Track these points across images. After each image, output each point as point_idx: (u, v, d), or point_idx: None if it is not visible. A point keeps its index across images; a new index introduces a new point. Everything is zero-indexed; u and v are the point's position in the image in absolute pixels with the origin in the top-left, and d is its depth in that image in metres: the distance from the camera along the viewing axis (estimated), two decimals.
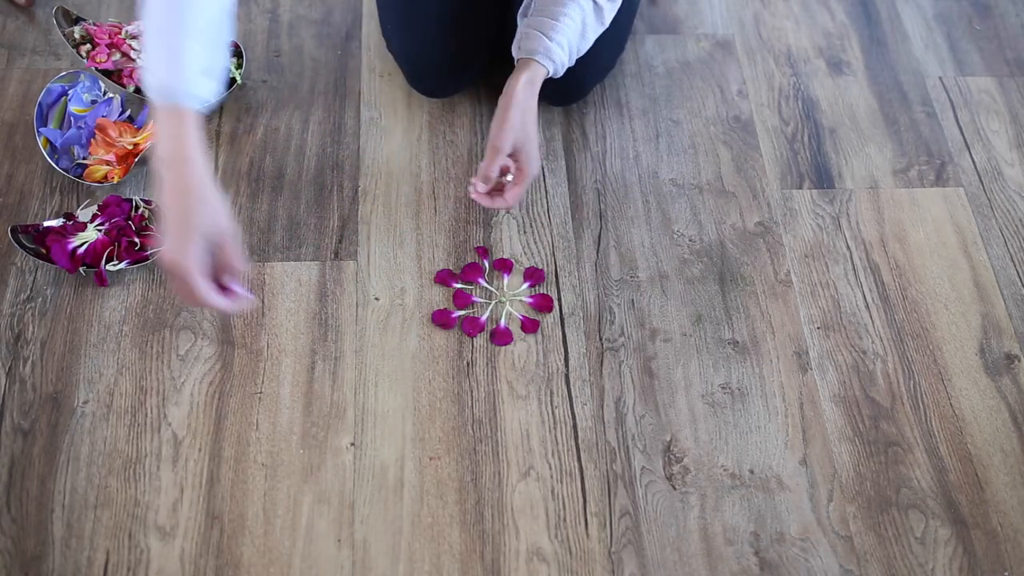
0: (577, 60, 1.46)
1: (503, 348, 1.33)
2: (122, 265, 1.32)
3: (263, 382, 1.28)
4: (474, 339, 1.33)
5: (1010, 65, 1.70)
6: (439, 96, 1.55)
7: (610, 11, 1.30)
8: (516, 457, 1.24)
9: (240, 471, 1.21)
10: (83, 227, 1.34)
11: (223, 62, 1.04)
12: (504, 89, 1.26)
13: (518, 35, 1.28)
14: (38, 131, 1.41)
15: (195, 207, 0.99)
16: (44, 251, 1.33)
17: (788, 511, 1.22)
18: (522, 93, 1.25)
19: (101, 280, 1.32)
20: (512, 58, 1.58)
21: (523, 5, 1.30)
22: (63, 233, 1.33)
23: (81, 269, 1.32)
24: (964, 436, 1.29)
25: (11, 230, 1.33)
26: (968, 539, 1.22)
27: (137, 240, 1.33)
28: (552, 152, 1.52)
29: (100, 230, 1.33)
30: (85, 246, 1.32)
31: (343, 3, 1.68)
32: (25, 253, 1.33)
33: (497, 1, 1.50)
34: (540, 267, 1.40)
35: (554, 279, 1.39)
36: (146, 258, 1.34)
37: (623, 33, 1.53)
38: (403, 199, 1.45)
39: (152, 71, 0.98)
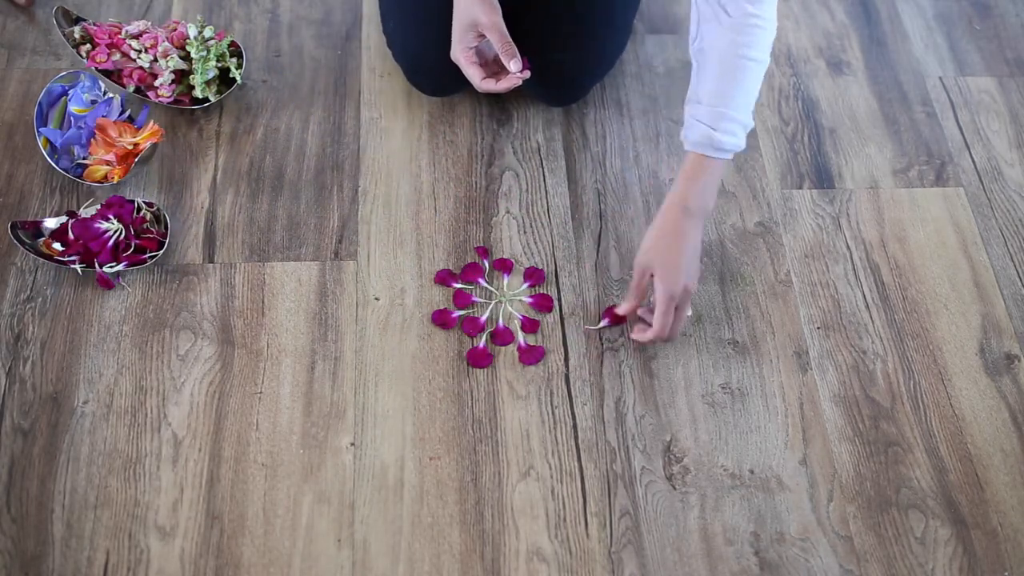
0: (577, 60, 1.47)
1: (503, 348, 1.33)
2: (119, 267, 1.32)
3: (263, 382, 1.28)
4: (474, 339, 1.33)
5: (1010, 65, 1.70)
6: (440, 95, 1.55)
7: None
8: (516, 457, 1.24)
9: (240, 471, 1.21)
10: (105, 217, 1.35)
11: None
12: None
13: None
14: (38, 131, 1.41)
15: (462, 10, 1.27)
16: (47, 248, 1.33)
17: (788, 511, 1.22)
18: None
19: (106, 283, 1.32)
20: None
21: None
22: (86, 226, 1.33)
23: (79, 269, 1.32)
24: (964, 436, 1.29)
25: (11, 226, 1.33)
26: (968, 539, 1.22)
27: (133, 243, 1.33)
28: (552, 152, 1.52)
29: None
30: (117, 235, 1.32)
31: (343, 3, 1.68)
32: (25, 252, 1.33)
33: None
34: (540, 267, 1.40)
35: (554, 279, 1.39)
36: (144, 261, 1.34)
37: (623, 33, 1.53)
38: (403, 199, 1.45)
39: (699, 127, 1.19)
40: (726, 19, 1.18)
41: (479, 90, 1.31)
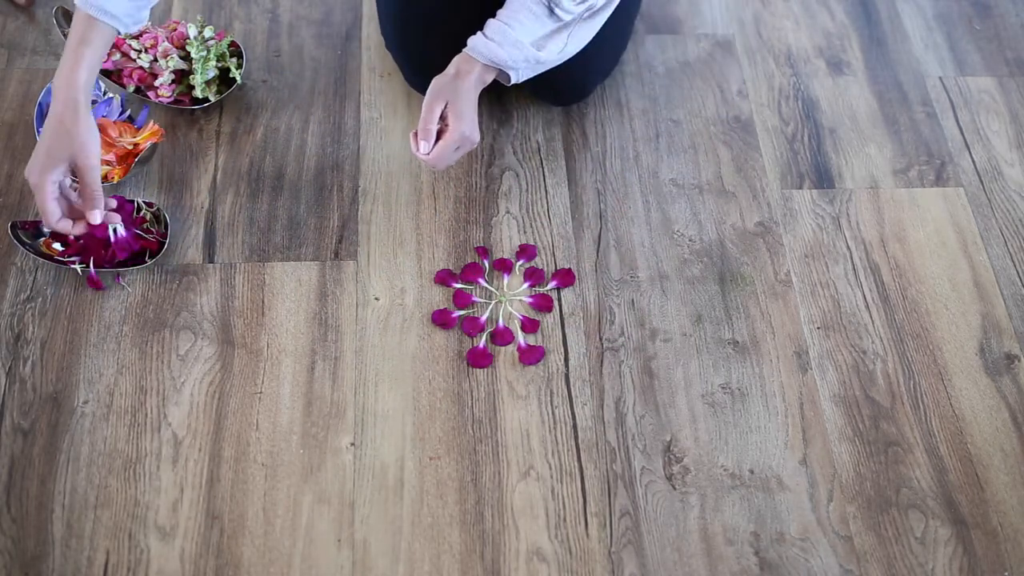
0: (579, 61, 1.46)
1: (503, 348, 1.33)
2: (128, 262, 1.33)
3: (263, 382, 1.28)
4: (474, 339, 1.33)
5: (1010, 65, 1.70)
6: None
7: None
8: (516, 457, 1.24)
9: (240, 471, 1.21)
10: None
11: None
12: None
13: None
14: (38, 131, 1.41)
15: (62, 137, 1.14)
16: (47, 248, 1.33)
17: (788, 511, 1.22)
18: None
19: (96, 284, 1.32)
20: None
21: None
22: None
23: (79, 269, 1.32)
24: (964, 436, 1.29)
25: (11, 226, 1.33)
26: (968, 539, 1.22)
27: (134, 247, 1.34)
28: (552, 152, 1.52)
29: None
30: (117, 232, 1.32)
31: (343, 3, 1.68)
32: (25, 252, 1.33)
33: (498, 3, 1.50)
34: (540, 267, 1.40)
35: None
36: (143, 261, 1.34)
37: (623, 34, 1.53)
38: (403, 199, 1.45)
39: None
40: None
41: (49, 228, 1.21)
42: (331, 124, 1.53)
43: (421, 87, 1.53)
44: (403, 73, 1.55)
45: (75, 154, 1.15)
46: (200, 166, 1.47)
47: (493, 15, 1.29)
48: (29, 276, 1.34)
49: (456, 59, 1.28)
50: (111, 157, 1.40)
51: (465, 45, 1.29)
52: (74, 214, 1.22)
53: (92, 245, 1.31)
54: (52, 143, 1.15)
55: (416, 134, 1.27)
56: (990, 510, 1.24)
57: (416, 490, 1.21)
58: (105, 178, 1.40)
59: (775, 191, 1.50)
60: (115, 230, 1.31)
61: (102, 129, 1.42)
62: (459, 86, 1.26)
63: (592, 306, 1.37)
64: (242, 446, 1.23)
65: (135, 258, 1.34)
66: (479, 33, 1.27)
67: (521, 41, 1.25)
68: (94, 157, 1.17)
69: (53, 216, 1.18)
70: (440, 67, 1.35)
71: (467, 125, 1.27)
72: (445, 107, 1.27)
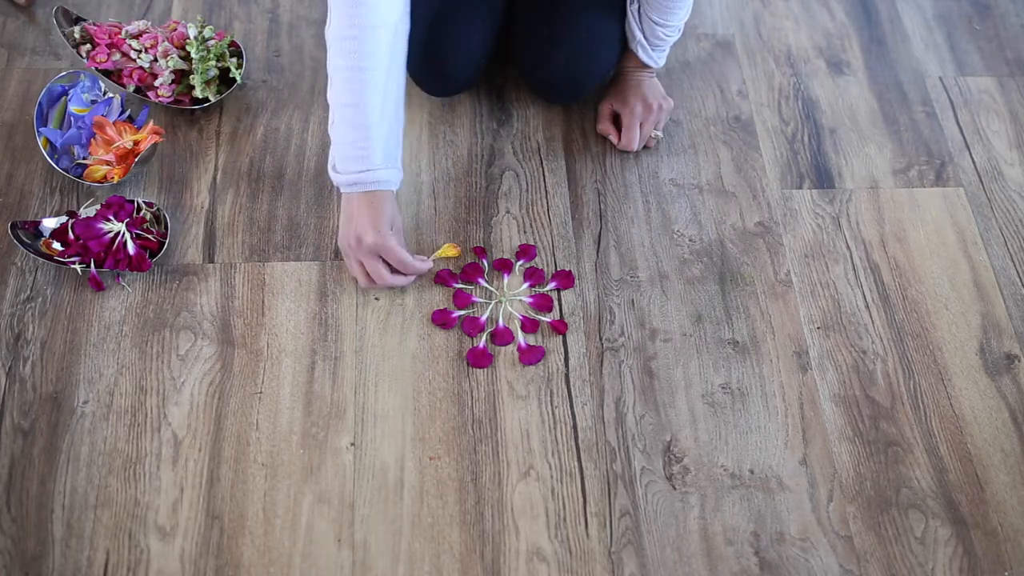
0: (576, 61, 1.47)
1: (503, 348, 1.33)
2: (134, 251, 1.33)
3: (263, 382, 1.28)
4: (474, 339, 1.33)
5: (1010, 65, 1.70)
6: (442, 96, 1.55)
7: None
8: (516, 457, 1.24)
9: (240, 471, 1.21)
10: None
11: (400, 148, 1.29)
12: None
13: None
14: (38, 131, 1.41)
15: (387, 205, 1.26)
16: (47, 248, 1.33)
17: (788, 511, 1.22)
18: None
19: (97, 284, 1.32)
20: (512, 61, 1.59)
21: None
22: (88, 225, 1.33)
23: (79, 269, 1.32)
24: (964, 436, 1.29)
25: (11, 226, 1.33)
26: (968, 539, 1.22)
27: (133, 246, 1.33)
28: (552, 152, 1.52)
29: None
30: (119, 237, 1.32)
31: None
32: (25, 252, 1.33)
33: (500, 3, 1.50)
34: (540, 267, 1.40)
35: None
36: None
37: (623, 33, 1.53)
38: (403, 199, 1.45)
39: (342, 168, 1.25)
40: None
41: (409, 272, 1.33)
42: None
43: (424, 87, 1.53)
44: (409, 72, 1.54)
45: (398, 223, 1.31)
46: (200, 166, 1.47)
47: (507, 24, 1.33)
48: (29, 276, 1.34)
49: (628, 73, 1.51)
50: (110, 157, 1.40)
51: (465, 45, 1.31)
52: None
53: (97, 249, 1.32)
54: (379, 209, 1.26)
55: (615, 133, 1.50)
56: (990, 510, 1.24)
57: (416, 490, 1.21)
58: (104, 178, 1.40)
59: (775, 191, 1.50)
60: (126, 243, 1.32)
61: (100, 127, 1.42)
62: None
63: (592, 306, 1.37)
64: (242, 446, 1.23)
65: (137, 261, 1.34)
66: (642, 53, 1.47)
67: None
68: (402, 234, 1.33)
69: (409, 257, 1.30)
70: (453, 67, 1.39)
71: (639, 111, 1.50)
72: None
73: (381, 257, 1.29)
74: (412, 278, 1.34)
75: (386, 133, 1.25)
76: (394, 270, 1.32)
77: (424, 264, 1.33)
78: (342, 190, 1.28)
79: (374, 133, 1.23)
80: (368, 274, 1.30)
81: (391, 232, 1.28)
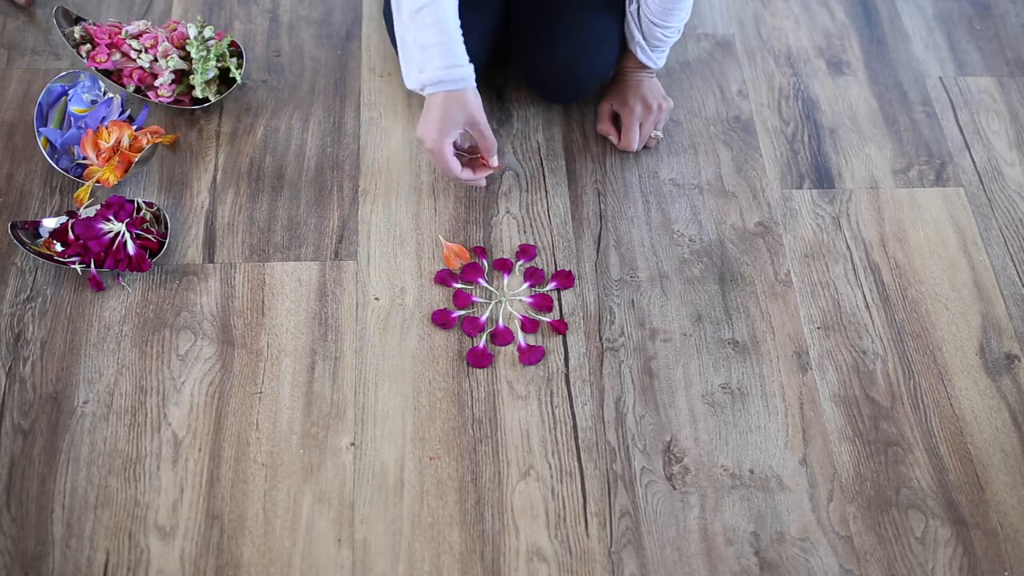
0: (576, 60, 1.47)
1: (503, 348, 1.33)
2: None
3: (263, 382, 1.28)
4: (474, 339, 1.33)
5: (1010, 65, 1.70)
6: None
7: None
8: (516, 457, 1.24)
9: (240, 471, 1.21)
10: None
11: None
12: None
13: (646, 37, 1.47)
14: (38, 131, 1.41)
15: (456, 108, 1.29)
16: (47, 248, 1.33)
17: (788, 511, 1.22)
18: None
19: (97, 284, 1.32)
20: (511, 61, 1.58)
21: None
22: (88, 226, 1.33)
23: (79, 269, 1.32)
24: (964, 436, 1.29)
25: (11, 226, 1.33)
26: (968, 539, 1.22)
27: (133, 247, 1.33)
28: (552, 152, 1.52)
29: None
30: (119, 237, 1.32)
31: (343, 3, 1.68)
32: (25, 252, 1.33)
33: (500, 2, 1.50)
34: (540, 267, 1.40)
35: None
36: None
37: (623, 33, 1.53)
38: (403, 199, 1.45)
39: (430, 70, 1.28)
40: None
41: (453, 179, 1.37)
42: (331, 124, 1.53)
43: None
44: None
45: (471, 116, 1.31)
46: (200, 166, 1.47)
47: (506, 24, 1.33)
48: (29, 276, 1.34)
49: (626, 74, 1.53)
50: (96, 159, 1.40)
51: (485, 49, 1.37)
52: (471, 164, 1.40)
53: (98, 249, 1.32)
54: (446, 112, 1.29)
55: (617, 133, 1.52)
56: (990, 510, 1.24)
57: (416, 490, 1.21)
58: (99, 181, 1.40)
59: (775, 191, 1.50)
60: (126, 243, 1.32)
61: (100, 132, 1.42)
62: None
63: (592, 306, 1.37)
64: (242, 446, 1.23)
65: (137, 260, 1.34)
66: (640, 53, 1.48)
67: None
68: (483, 112, 1.33)
69: (457, 169, 1.34)
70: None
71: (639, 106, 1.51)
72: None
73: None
74: (485, 173, 1.39)
75: (457, 28, 1.29)
76: (469, 162, 1.38)
77: (470, 174, 1.37)
78: (426, 91, 1.30)
79: (452, 27, 1.28)
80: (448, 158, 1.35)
81: (454, 135, 1.31)
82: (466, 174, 1.36)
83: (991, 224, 1.49)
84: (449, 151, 1.32)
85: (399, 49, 1.36)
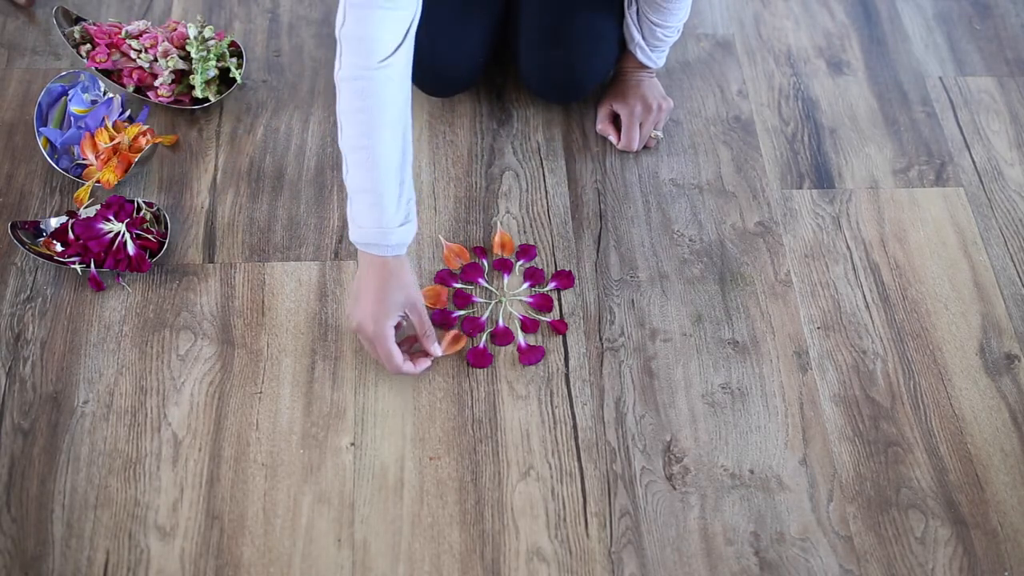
0: (576, 60, 1.47)
1: (503, 348, 1.33)
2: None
3: (263, 382, 1.28)
4: (474, 339, 1.33)
5: (1010, 65, 1.70)
6: (443, 96, 1.55)
7: None
8: (516, 457, 1.24)
9: (240, 471, 1.21)
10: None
11: (413, 203, 1.20)
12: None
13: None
14: (38, 131, 1.41)
15: (394, 287, 1.19)
16: (47, 248, 1.33)
17: (788, 511, 1.22)
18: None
19: (97, 285, 1.32)
20: (511, 60, 1.58)
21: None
22: (88, 226, 1.33)
23: (79, 269, 1.32)
24: (964, 436, 1.29)
25: (11, 226, 1.33)
26: (968, 539, 1.22)
27: (133, 247, 1.33)
28: (552, 152, 1.52)
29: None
30: (119, 237, 1.32)
31: None
32: (25, 252, 1.33)
33: (499, 3, 1.50)
34: (540, 267, 1.40)
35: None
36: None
37: (623, 32, 1.53)
38: None
39: (359, 227, 1.17)
40: None
41: (392, 371, 1.24)
42: (331, 124, 1.53)
43: (425, 87, 1.53)
44: (413, 81, 1.54)
45: (412, 300, 1.22)
46: (200, 166, 1.47)
47: (505, 24, 1.32)
48: (29, 276, 1.34)
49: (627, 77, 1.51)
50: (95, 162, 1.40)
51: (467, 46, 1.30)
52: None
53: (98, 249, 1.32)
54: (381, 287, 1.19)
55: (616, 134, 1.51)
56: (990, 510, 1.24)
57: (416, 490, 1.21)
58: (98, 181, 1.40)
59: (775, 191, 1.50)
60: (126, 243, 1.32)
61: (98, 132, 1.42)
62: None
63: (592, 306, 1.37)
64: (242, 446, 1.23)
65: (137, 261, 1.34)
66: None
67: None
68: (419, 292, 1.25)
69: (398, 359, 1.23)
70: (450, 69, 1.37)
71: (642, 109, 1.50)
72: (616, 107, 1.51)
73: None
74: (425, 365, 1.27)
75: (400, 182, 1.17)
76: (407, 351, 1.27)
77: (411, 367, 1.25)
78: (359, 248, 1.19)
79: (388, 177, 1.15)
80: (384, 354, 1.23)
81: (394, 319, 1.21)
82: (407, 367, 1.24)
83: (991, 224, 1.49)
84: (390, 337, 1.21)
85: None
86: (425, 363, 1.27)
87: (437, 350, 1.27)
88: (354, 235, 1.18)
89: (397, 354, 1.22)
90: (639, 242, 1.43)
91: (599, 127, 1.52)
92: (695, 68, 1.64)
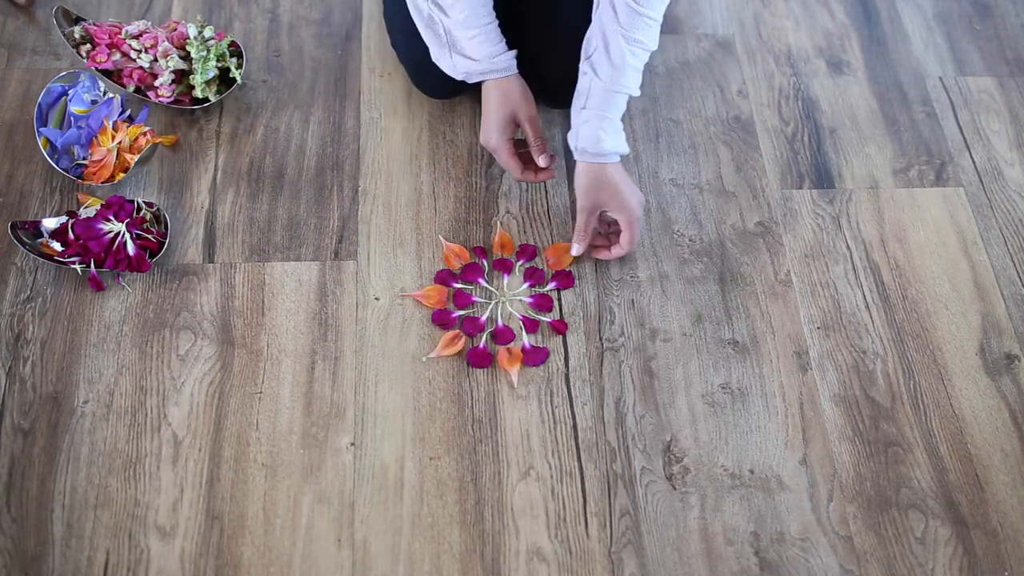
0: (576, 61, 1.46)
1: (503, 347, 1.33)
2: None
3: (263, 382, 1.28)
4: (474, 339, 1.33)
5: (1010, 65, 1.70)
6: (443, 97, 1.55)
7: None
8: (516, 457, 1.24)
9: (240, 471, 1.21)
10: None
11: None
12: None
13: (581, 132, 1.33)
14: (38, 131, 1.41)
15: (505, 105, 1.34)
16: (47, 248, 1.33)
17: (788, 511, 1.22)
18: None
19: (97, 285, 1.32)
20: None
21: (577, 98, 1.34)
22: (88, 226, 1.33)
23: (79, 269, 1.32)
24: (964, 436, 1.29)
25: (11, 226, 1.33)
26: (968, 539, 1.22)
27: (133, 247, 1.33)
28: (552, 152, 1.51)
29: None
30: (119, 237, 1.32)
31: (343, 3, 1.68)
32: (25, 252, 1.33)
33: (500, 3, 1.50)
34: (540, 267, 1.40)
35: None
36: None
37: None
38: (403, 199, 1.45)
39: (474, 61, 1.34)
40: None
41: (517, 179, 1.41)
42: (331, 124, 1.53)
43: (425, 88, 1.53)
44: (407, 73, 1.54)
45: (518, 110, 1.35)
46: (200, 166, 1.47)
47: (504, 21, 1.32)
48: (29, 276, 1.34)
49: (584, 170, 1.34)
50: (95, 158, 1.40)
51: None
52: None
53: (97, 249, 1.32)
54: (501, 112, 1.35)
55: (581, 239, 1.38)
56: (990, 510, 1.24)
57: (416, 490, 1.21)
58: (111, 177, 1.40)
59: (775, 191, 1.50)
60: (126, 243, 1.32)
61: (101, 131, 1.42)
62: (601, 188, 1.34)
63: (592, 306, 1.37)
64: (242, 446, 1.23)
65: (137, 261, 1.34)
66: (584, 137, 1.31)
67: (618, 124, 1.32)
68: (533, 107, 1.37)
69: (519, 169, 1.38)
70: (465, 81, 1.38)
71: (633, 210, 1.35)
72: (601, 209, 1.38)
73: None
74: (546, 176, 1.40)
75: (491, 12, 1.34)
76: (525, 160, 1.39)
77: (532, 175, 1.39)
78: (480, 79, 1.35)
79: (486, 16, 1.32)
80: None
81: (510, 132, 1.36)
82: (527, 175, 1.39)
83: (991, 224, 1.49)
84: (507, 149, 1.36)
85: (429, 38, 1.36)
86: (545, 174, 1.39)
87: (543, 160, 1.37)
88: (471, 68, 1.34)
89: (517, 165, 1.37)
90: (639, 242, 1.43)
91: (592, 254, 1.41)
92: (695, 68, 1.64)
